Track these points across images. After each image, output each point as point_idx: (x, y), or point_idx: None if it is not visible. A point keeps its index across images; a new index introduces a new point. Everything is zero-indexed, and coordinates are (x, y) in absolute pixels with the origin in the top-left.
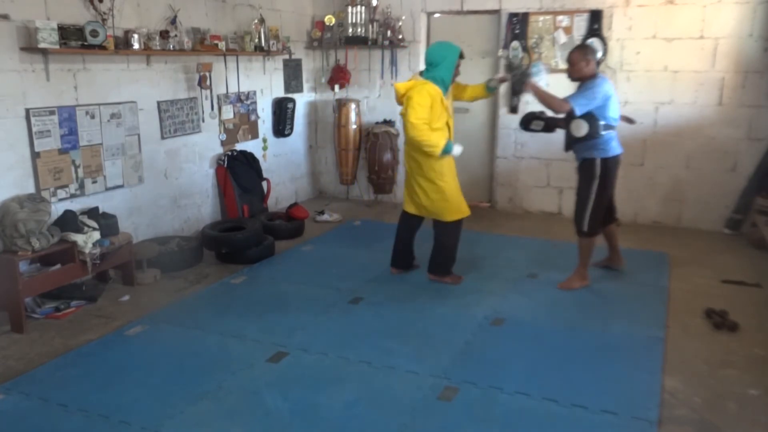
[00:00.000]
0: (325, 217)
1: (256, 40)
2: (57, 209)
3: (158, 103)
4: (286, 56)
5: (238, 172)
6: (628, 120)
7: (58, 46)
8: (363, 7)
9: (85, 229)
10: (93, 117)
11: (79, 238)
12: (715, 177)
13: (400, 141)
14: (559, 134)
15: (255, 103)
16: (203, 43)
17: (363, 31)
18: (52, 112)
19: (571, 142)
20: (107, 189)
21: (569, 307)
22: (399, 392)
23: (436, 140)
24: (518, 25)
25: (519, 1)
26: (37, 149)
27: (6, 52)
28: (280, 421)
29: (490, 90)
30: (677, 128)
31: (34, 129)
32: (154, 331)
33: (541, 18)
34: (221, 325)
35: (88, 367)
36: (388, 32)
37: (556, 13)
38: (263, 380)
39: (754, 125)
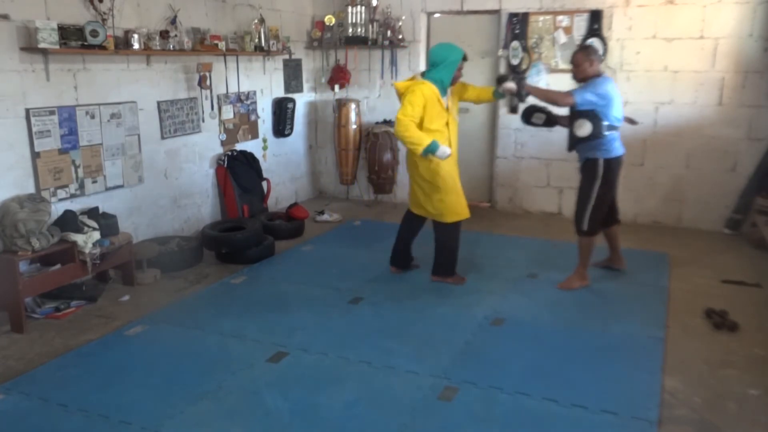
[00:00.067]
0: (325, 217)
1: (256, 40)
2: (57, 209)
3: (158, 103)
4: (286, 56)
5: (238, 172)
6: (631, 121)
7: (58, 46)
8: (363, 7)
9: (85, 229)
10: (93, 117)
11: (79, 238)
12: (715, 177)
13: (400, 141)
14: (560, 134)
15: (255, 103)
16: (203, 43)
17: (363, 31)
18: (52, 112)
19: (574, 142)
20: (107, 189)
21: (569, 307)
22: (399, 392)
23: (419, 138)
24: (518, 25)
25: (519, 1)
26: (37, 149)
27: (6, 52)
28: (280, 421)
29: (498, 97)
30: (677, 128)
31: (34, 129)
32: (154, 331)
33: (541, 18)
34: (221, 325)
35: (88, 367)
36: (388, 32)
37: (556, 13)
38: (263, 380)
39: (754, 125)
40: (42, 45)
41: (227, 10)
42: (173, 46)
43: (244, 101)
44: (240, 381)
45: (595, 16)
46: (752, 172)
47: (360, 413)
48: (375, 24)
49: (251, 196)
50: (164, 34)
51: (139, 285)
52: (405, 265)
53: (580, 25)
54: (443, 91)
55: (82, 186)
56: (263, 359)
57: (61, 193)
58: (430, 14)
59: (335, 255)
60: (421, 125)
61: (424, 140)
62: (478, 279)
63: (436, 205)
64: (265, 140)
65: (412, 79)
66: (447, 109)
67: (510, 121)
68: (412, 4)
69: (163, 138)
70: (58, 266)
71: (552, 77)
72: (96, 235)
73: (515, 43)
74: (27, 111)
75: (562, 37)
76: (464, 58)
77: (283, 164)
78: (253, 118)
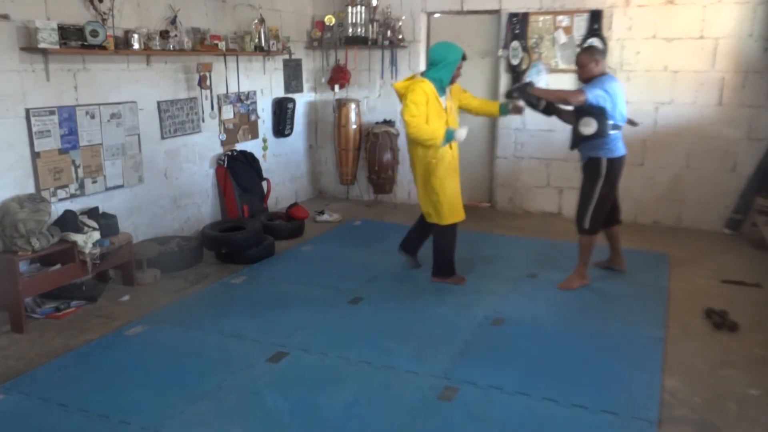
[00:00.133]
0: (325, 217)
1: (256, 40)
2: (57, 209)
3: (158, 103)
4: (286, 56)
5: (238, 172)
6: (632, 122)
7: (58, 46)
8: (363, 7)
9: (85, 229)
10: (93, 117)
11: (79, 238)
12: (715, 177)
13: (400, 141)
14: (560, 134)
15: (255, 103)
16: (203, 43)
17: (363, 31)
18: (52, 112)
19: (578, 141)
20: (107, 189)
21: (569, 308)
22: (399, 392)
23: (433, 132)
24: (518, 25)
25: (519, 1)
26: (37, 149)
27: (6, 52)
28: (280, 421)
29: (504, 113)
30: (677, 128)
31: (34, 129)
32: (154, 331)
33: (541, 18)
34: (221, 325)
35: (88, 367)
36: (388, 32)
37: (556, 13)
38: (263, 380)
39: (754, 125)
40: (42, 45)
41: (227, 10)
42: (173, 46)
43: (244, 101)
44: (240, 381)
45: (595, 16)
46: (752, 172)
47: (360, 413)
48: (375, 24)
49: (251, 196)
50: (164, 34)
51: (139, 285)
52: (409, 249)
53: (580, 25)
54: (441, 91)
55: (82, 186)
56: (263, 359)
57: (61, 193)
58: (430, 14)
59: (335, 255)
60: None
61: (438, 133)
62: (478, 279)
63: (434, 206)
64: (265, 140)
65: (412, 78)
66: (446, 109)
67: (510, 121)
68: (412, 4)
69: (163, 138)
70: (58, 266)
71: (552, 77)
72: (96, 235)
73: (515, 43)
74: (27, 111)
75: (562, 37)
76: (463, 58)
77: (283, 164)
78: (253, 118)
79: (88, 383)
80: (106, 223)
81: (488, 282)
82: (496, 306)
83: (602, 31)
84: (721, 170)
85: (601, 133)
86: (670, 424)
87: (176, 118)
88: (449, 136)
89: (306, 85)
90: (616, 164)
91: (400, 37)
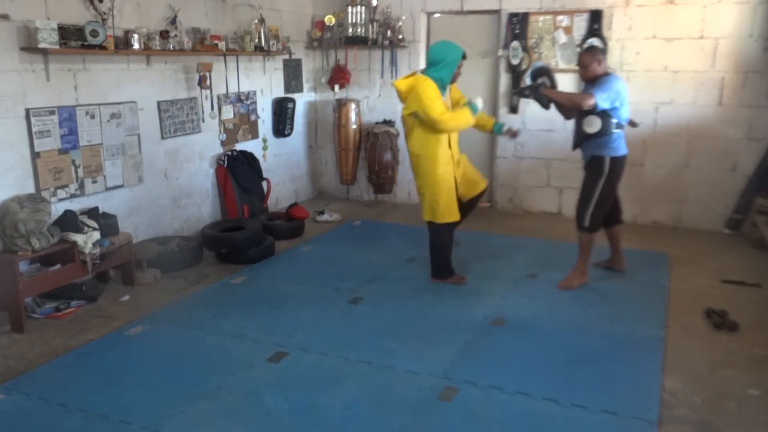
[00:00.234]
0: (325, 217)
1: (256, 40)
2: (57, 209)
3: (158, 103)
4: (286, 56)
5: (238, 172)
6: (632, 123)
7: (58, 46)
8: (363, 7)
9: (85, 229)
10: (93, 117)
11: (79, 238)
12: (715, 177)
13: (400, 141)
14: (559, 134)
15: (255, 103)
16: (203, 43)
17: (363, 31)
18: (52, 112)
19: (581, 140)
20: (107, 189)
21: (569, 307)
22: (399, 392)
23: (463, 117)
24: (518, 25)
25: (519, 1)
26: (37, 149)
27: (6, 52)
28: (280, 421)
29: (497, 132)
30: (677, 128)
31: (34, 129)
32: (154, 331)
33: (541, 18)
34: (221, 325)
35: (88, 367)
36: (388, 32)
37: (556, 13)
38: (263, 380)
39: (754, 125)
40: (42, 45)
41: (227, 10)
42: (173, 46)
43: (244, 101)
44: (240, 381)
45: (595, 16)
46: (752, 172)
47: (360, 413)
48: (375, 24)
49: (251, 196)
50: (164, 34)
51: (139, 285)
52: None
53: (580, 25)
54: (442, 90)
55: (82, 186)
56: (263, 359)
57: (61, 193)
58: (430, 14)
59: (335, 255)
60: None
61: (464, 115)
62: (478, 279)
63: (430, 204)
64: (265, 140)
65: (412, 75)
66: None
67: (510, 121)
68: (412, 4)
69: (163, 138)
70: (58, 266)
71: None
72: (96, 235)
73: (515, 43)
74: (27, 111)
75: (562, 37)
76: (463, 57)
77: (283, 164)
78: (253, 118)
79: (88, 383)
80: (106, 223)
81: (488, 282)
82: (496, 306)
83: (602, 31)
84: (721, 170)
85: (604, 132)
86: (670, 424)
87: (176, 118)
88: (474, 110)
89: (306, 85)
90: (618, 163)
91: (400, 37)
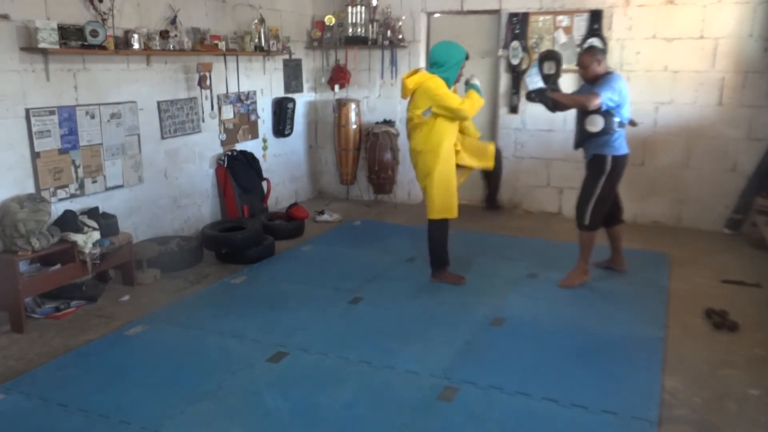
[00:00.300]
0: (325, 217)
1: (256, 40)
2: (57, 209)
3: (158, 103)
4: (286, 56)
5: (238, 172)
6: (632, 123)
7: (58, 46)
8: (363, 7)
9: (85, 229)
10: (93, 117)
11: (79, 238)
12: (715, 177)
13: (400, 141)
14: (559, 134)
15: (255, 103)
16: (203, 43)
17: (363, 31)
18: (52, 112)
19: (583, 139)
20: (107, 189)
21: (569, 307)
22: (399, 392)
23: (477, 99)
24: (518, 25)
25: (519, 1)
26: (37, 149)
27: (6, 52)
28: (280, 421)
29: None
30: (677, 128)
31: (34, 129)
32: (154, 331)
33: (541, 18)
34: (221, 325)
35: (88, 367)
36: (388, 32)
37: (556, 13)
38: (263, 380)
39: (754, 125)
40: (42, 45)
41: (227, 10)
42: (173, 46)
43: (244, 101)
44: (240, 381)
45: (595, 16)
46: (752, 172)
47: (360, 413)
48: (375, 24)
49: (251, 196)
50: (164, 34)
51: (139, 285)
52: (492, 206)
53: (580, 25)
54: None
55: (82, 186)
56: (263, 359)
57: (61, 193)
58: (430, 14)
59: (335, 255)
60: (436, 115)
61: (476, 97)
62: (478, 279)
63: (430, 199)
64: (265, 140)
65: (417, 71)
66: None
67: (510, 121)
68: (412, 4)
69: (163, 138)
70: (58, 266)
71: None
72: (96, 235)
73: (515, 43)
74: (27, 111)
75: (562, 37)
76: (466, 57)
77: (283, 164)
78: (253, 118)
79: (88, 383)
80: (106, 223)
81: (488, 282)
82: (496, 306)
83: (602, 31)
84: (721, 170)
85: (607, 131)
86: (670, 424)
87: (176, 118)
88: (478, 89)
89: (306, 85)
90: (620, 162)
91: (400, 37)
